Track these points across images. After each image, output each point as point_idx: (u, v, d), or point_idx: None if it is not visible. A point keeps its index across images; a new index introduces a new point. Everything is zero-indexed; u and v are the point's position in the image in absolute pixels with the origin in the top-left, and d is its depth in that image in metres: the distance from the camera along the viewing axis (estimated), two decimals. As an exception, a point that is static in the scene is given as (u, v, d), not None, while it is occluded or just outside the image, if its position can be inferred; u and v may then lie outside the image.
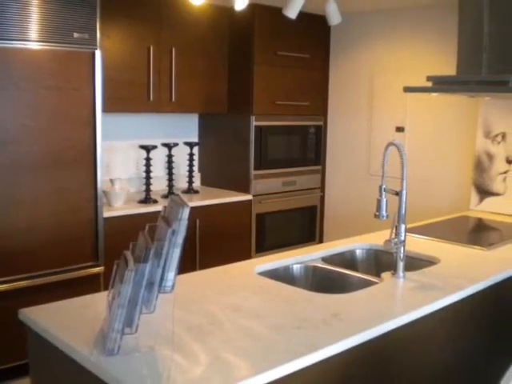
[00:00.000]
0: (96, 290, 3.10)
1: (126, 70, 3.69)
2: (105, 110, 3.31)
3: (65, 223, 3.18)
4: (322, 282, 2.40)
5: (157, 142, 4.07)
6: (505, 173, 3.66)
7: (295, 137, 4.51)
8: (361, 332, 1.67)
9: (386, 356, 1.87)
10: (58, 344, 1.59)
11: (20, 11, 2.87)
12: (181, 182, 4.36)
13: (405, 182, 2.23)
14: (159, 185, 4.20)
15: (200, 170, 4.59)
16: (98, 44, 3.16)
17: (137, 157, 4.19)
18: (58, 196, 3.14)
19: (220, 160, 4.46)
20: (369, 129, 4.49)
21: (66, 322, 1.70)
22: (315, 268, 2.45)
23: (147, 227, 1.64)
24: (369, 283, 2.20)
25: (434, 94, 3.56)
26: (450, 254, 2.61)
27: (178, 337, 1.60)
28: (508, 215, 3.57)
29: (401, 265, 2.20)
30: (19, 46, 2.90)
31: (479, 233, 3.44)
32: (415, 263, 2.47)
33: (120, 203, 3.66)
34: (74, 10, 3.05)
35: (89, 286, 3.16)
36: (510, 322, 2.55)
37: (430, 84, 2.87)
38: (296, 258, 2.48)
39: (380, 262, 2.64)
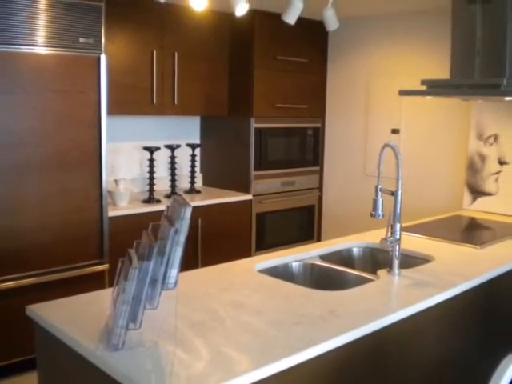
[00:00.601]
0: (101, 287, 3.08)
1: (130, 73, 3.72)
2: (110, 112, 3.34)
3: (71, 222, 3.21)
4: (319, 279, 2.42)
5: (160, 143, 4.10)
6: (497, 173, 3.67)
7: (294, 138, 4.53)
8: (357, 328, 1.69)
9: (381, 351, 1.88)
10: (65, 339, 1.61)
11: (27, 17, 2.90)
12: (183, 183, 4.40)
13: (400, 182, 2.24)
14: (162, 185, 4.23)
15: (202, 170, 4.61)
16: (102, 49, 3.19)
17: (140, 158, 4.22)
18: (64, 196, 3.17)
19: (221, 161, 4.48)
20: (365, 131, 4.50)
21: (72, 318, 1.71)
22: (313, 266, 2.47)
23: (151, 226, 1.64)
24: (365, 280, 2.22)
25: (429, 98, 3.57)
26: (444, 252, 2.62)
27: (181, 332, 1.62)
28: (500, 214, 3.58)
29: (396, 262, 2.22)
30: (26, 50, 2.93)
31: (472, 231, 3.45)
32: (410, 261, 2.48)
33: (124, 203, 3.69)
34: (80, 15, 3.08)
35: (94, 283, 3.19)
36: (501, 318, 2.58)
37: (424, 87, 2.89)
38: (295, 256, 2.49)
39: (376, 260, 2.66)
